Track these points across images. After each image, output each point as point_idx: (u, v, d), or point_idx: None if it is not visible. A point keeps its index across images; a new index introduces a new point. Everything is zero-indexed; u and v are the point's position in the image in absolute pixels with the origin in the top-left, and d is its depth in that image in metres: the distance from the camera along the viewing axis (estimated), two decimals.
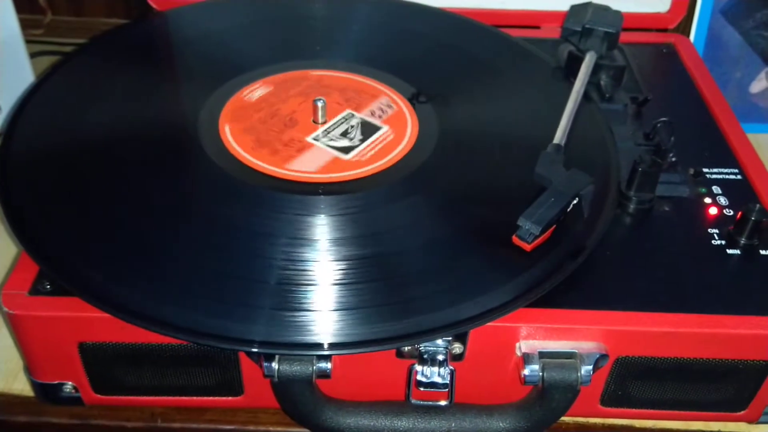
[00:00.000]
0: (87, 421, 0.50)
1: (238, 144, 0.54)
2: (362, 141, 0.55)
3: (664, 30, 0.75)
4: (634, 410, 0.50)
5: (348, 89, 0.60)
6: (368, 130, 0.56)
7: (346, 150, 0.54)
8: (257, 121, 0.56)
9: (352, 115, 0.57)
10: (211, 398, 0.49)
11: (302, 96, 0.59)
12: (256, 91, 0.59)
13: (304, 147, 0.54)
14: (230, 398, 0.49)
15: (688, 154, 0.57)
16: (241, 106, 0.58)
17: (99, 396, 0.49)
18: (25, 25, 0.71)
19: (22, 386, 0.52)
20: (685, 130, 0.59)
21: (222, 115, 0.56)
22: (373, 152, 0.53)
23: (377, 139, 0.55)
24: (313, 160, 0.53)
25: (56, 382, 0.48)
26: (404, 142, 0.55)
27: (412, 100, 0.59)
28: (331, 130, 0.55)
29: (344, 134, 0.55)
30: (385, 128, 0.55)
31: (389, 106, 0.57)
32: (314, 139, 0.55)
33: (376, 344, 0.42)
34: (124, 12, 0.87)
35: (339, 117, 0.57)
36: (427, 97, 0.59)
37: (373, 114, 0.57)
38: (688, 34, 0.75)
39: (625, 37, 0.64)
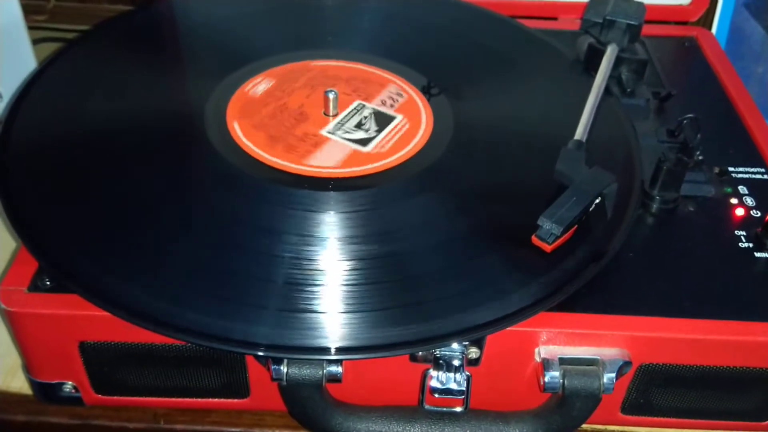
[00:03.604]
0: (87, 422, 0.49)
1: (247, 137, 0.52)
2: (378, 132, 0.53)
3: (685, 23, 0.72)
4: (655, 419, 0.48)
5: (355, 80, 0.58)
6: (382, 120, 0.54)
7: (363, 142, 0.52)
8: (266, 115, 0.54)
9: (363, 106, 0.55)
10: (215, 400, 0.48)
11: (309, 88, 0.57)
12: (261, 84, 0.57)
13: (320, 141, 0.52)
14: (236, 400, 0.48)
15: (712, 151, 0.55)
16: (248, 98, 0.56)
17: (100, 396, 0.47)
18: (28, 11, 0.69)
19: (20, 384, 0.50)
20: (709, 126, 0.57)
21: (229, 107, 0.54)
22: (391, 143, 0.51)
23: (394, 128, 0.53)
24: (331, 154, 0.51)
25: (56, 381, 0.47)
26: (418, 137, 0.53)
27: (425, 91, 0.57)
28: (344, 122, 0.53)
29: (359, 126, 0.53)
30: (399, 117, 0.53)
31: (399, 95, 0.55)
32: (329, 133, 0.53)
33: (388, 349, 0.41)
34: None
35: (350, 108, 0.55)
36: (440, 89, 0.57)
37: (384, 103, 0.55)
38: (709, 28, 0.72)
39: (645, 29, 0.62)
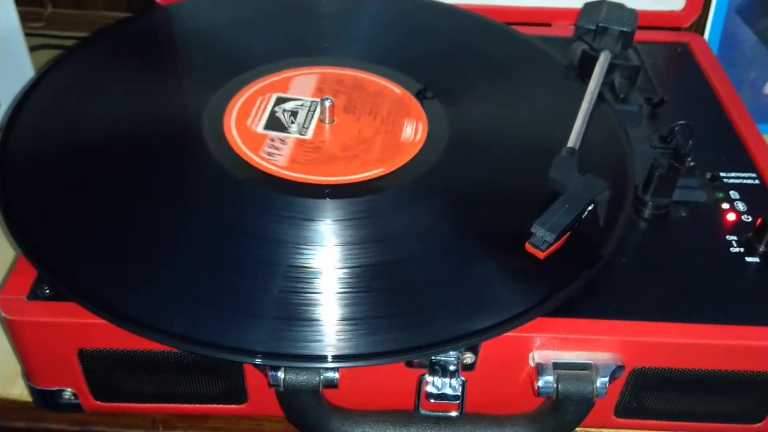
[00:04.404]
0: (86, 428, 0.49)
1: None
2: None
3: (678, 29, 0.73)
4: (648, 421, 0.48)
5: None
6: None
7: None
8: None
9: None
10: (213, 406, 0.48)
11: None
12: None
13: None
14: (234, 406, 0.48)
15: (704, 157, 0.55)
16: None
17: (99, 403, 0.48)
18: (25, 18, 0.70)
19: (20, 391, 0.50)
20: (701, 132, 0.57)
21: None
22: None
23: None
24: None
25: (55, 388, 0.47)
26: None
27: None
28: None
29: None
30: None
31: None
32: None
33: (384, 357, 0.41)
34: (126, 5, 0.86)
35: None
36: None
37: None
38: (702, 33, 0.73)
39: (638, 35, 0.62)
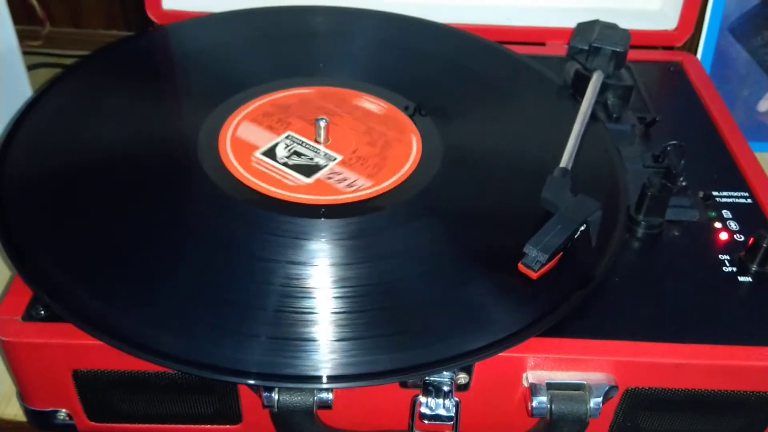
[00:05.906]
0: None
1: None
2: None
3: (671, 48, 0.74)
4: None
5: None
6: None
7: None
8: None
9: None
10: (208, 426, 0.48)
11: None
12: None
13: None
14: (228, 426, 0.48)
15: (696, 176, 0.56)
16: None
17: (93, 423, 0.48)
18: (23, 36, 0.70)
19: (15, 411, 0.51)
20: (693, 151, 0.58)
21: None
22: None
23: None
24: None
25: (50, 409, 0.47)
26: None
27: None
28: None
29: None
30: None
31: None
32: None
33: (378, 377, 0.41)
34: (123, 24, 0.86)
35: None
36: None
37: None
38: (695, 52, 0.74)
39: (631, 54, 0.63)
